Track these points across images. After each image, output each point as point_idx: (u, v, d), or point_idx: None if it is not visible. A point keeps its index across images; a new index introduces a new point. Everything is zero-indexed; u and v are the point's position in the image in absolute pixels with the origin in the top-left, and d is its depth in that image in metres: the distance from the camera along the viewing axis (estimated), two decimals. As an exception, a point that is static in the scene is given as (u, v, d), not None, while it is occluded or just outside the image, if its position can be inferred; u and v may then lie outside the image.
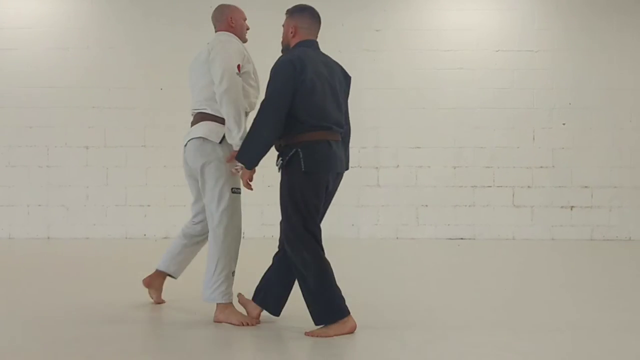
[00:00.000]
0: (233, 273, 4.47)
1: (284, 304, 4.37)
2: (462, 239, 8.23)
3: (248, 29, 4.93)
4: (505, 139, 8.30)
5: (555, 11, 8.39)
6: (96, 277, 5.93)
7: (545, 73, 8.36)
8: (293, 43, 4.39)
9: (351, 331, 4.11)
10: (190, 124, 4.63)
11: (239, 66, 4.49)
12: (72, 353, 3.72)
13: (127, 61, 8.36)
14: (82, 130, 8.33)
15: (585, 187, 8.36)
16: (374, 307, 4.77)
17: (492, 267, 6.70)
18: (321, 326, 4.10)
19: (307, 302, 4.11)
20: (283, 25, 4.47)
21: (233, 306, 4.43)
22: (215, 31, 4.94)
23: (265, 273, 4.41)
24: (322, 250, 4.16)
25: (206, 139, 4.44)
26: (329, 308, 4.09)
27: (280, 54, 4.40)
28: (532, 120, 8.34)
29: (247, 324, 4.33)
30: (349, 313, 4.11)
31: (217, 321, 4.41)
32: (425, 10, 8.34)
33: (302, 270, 4.10)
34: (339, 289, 4.12)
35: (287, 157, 4.13)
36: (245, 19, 4.89)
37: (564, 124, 8.34)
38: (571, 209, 8.35)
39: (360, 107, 8.08)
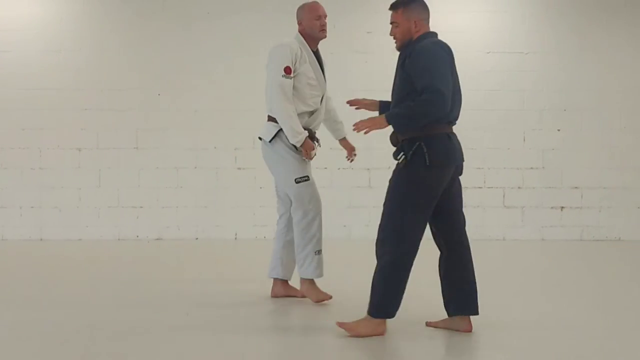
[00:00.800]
0: (317, 252, 4.93)
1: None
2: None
3: (323, 25, 4.95)
4: (496, 140, 8.36)
5: (545, 13, 8.45)
6: (90, 278, 5.96)
7: (536, 75, 8.42)
8: (416, 37, 4.17)
9: (380, 334, 4.11)
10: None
11: (287, 68, 4.75)
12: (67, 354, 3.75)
13: (119, 63, 8.37)
14: (75, 132, 8.34)
15: (575, 187, 8.42)
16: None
17: (483, 267, 6.74)
18: (362, 318, 4.12)
19: (371, 290, 4.09)
20: (395, 22, 4.22)
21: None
22: None
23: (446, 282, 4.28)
24: (416, 249, 4.11)
25: (262, 139, 4.95)
26: (381, 304, 4.07)
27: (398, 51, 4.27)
28: (523, 122, 8.40)
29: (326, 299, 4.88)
30: (392, 317, 4.12)
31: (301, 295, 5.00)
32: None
33: (382, 264, 4.06)
34: (401, 291, 4.09)
35: (411, 151, 4.00)
36: (318, 17, 4.93)
37: (558, 130, 8.40)
38: (561, 210, 8.41)
39: (351, 108, 8.10)
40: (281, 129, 4.83)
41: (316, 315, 4.70)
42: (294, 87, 4.82)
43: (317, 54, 5.04)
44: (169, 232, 8.36)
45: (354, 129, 4.17)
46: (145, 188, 8.37)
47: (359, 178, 8.30)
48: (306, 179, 4.87)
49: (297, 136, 4.75)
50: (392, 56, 8.22)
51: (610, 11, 8.41)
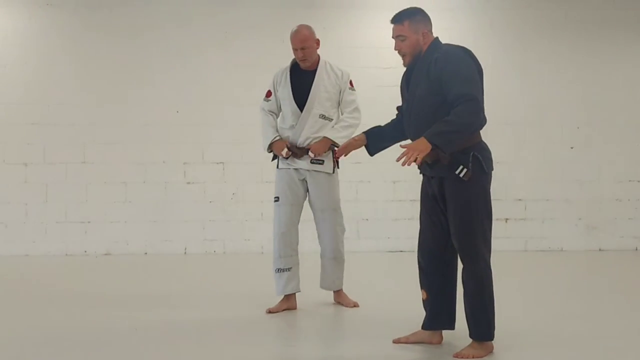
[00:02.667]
0: (277, 270, 5.21)
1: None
2: (402, 251, 8.39)
3: (300, 57, 5.18)
4: (442, 154, 8.49)
5: (487, 30, 8.63)
6: (37, 294, 5.90)
7: (480, 90, 8.58)
8: (425, 48, 4.07)
9: (492, 351, 4.03)
10: None
11: (268, 92, 5.34)
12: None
13: (66, 77, 8.31)
14: (21, 147, 8.24)
15: (519, 200, 8.62)
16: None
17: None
18: (469, 345, 3.99)
19: (474, 316, 3.96)
20: (402, 35, 4.11)
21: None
22: None
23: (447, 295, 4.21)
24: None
25: None
26: (492, 324, 3.97)
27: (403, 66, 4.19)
28: (468, 136, 8.56)
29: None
30: None
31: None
32: (363, 28, 8.50)
33: (482, 282, 3.93)
34: None
35: (470, 162, 3.85)
36: (295, 50, 5.18)
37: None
38: (506, 222, 8.59)
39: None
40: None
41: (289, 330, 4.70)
42: (280, 107, 5.34)
43: (310, 74, 5.25)
44: (117, 247, 8.30)
45: (403, 164, 3.80)
46: (93, 203, 8.30)
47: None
48: (276, 199, 5.29)
49: (265, 142, 5.30)
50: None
51: (552, 27, 8.64)
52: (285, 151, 5.19)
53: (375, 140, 4.39)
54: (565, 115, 8.65)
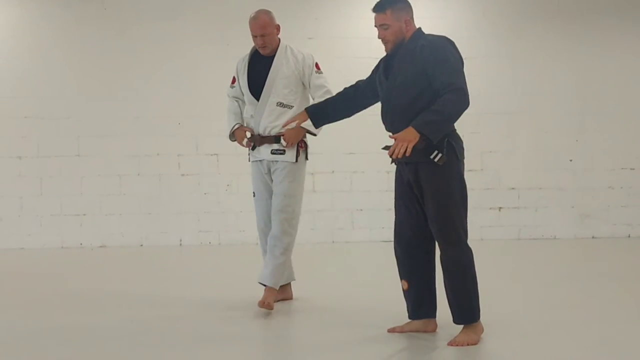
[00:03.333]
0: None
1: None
2: (392, 241, 8.41)
3: (260, 44, 5.04)
4: (436, 143, 8.52)
5: (479, 20, 8.65)
6: (34, 286, 5.94)
7: (471, 80, 8.48)
8: (408, 36, 4.09)
9: (482, 331, 4.06)
10: None
11: (233, 79, 5.24)
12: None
13: (58, 70, 8.32)
14: (15, 140, 8.26)
15: (512, 189, 8.66)
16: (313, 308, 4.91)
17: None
18: (461, 331, 4.02)
19: (459, 301, 3.99)
20: (385, 24, 4.11)
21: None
22: None
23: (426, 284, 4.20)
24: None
25: None
26: (477, 306, 4.01)
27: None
28: (461, 126, 8.47)
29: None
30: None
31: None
32: (355, 19, 8.50)
33: (464, 265, 3.97)
34: None
35: (444, 148, 3.87)
36: (254, 37, 5.04)
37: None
38: (499, 210, 8.64)
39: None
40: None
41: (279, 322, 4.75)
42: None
43: (268, 60, 5.09)
44: (113, 239, 8.33)
45: (392, 157, 3.94)
46: (88, 195, 8.32)
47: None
48: (253, 194, 5.27)
49: (228, 132, 5.21)
50: (332, 62, 8.36)
51: (545, 15, 8.65)
52: (245, 141, 5.07)
53: (318, 116, 4.57)
54: (556, 104, 8.68)
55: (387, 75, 4.16)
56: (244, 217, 8.33)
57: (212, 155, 8.35)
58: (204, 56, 8.33)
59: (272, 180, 5.10)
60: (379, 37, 4.18)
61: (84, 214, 8.33)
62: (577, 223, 8.68)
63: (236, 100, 5.23)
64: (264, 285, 4.93)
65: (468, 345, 3.96)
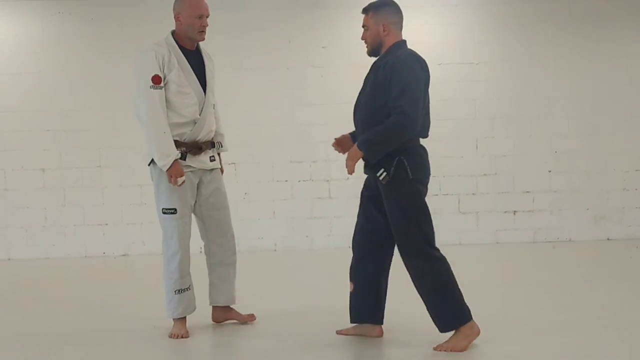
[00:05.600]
0: (177, 291, 4.54)
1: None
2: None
3: (203, 26, 4.42)
4: (450, 149, 8.61)
5: (493, 25, 8.73)
6: (60, 295, 6.07)
7: (486, 84, 8.69)
8: (388, 43, 4.16)
9: (478, 334, 4.08)
10: None
11: (156, 77, 4.25)
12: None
13: (79, 84, 8.49)
14: (38, 153, 8.44)
15: (527, 192, 8.71)
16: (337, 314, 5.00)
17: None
18: (450, 335, 4.08)
19: (435, 309, 4.07)
20: (365, 25, 4.20)
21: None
22: None
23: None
24: (438, 251, 4.09)
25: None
26: (457, 311, 4.03)
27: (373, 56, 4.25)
28: (475, 130, 8.66)
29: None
30: (471, 318, 4.08)
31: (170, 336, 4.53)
32: (369, 27, 8.62)
33: (432, 275, 4.04)
34: (460, 291, 4.08)
35: (392, 167, 3.96)
36: (200, 16, 4.38)
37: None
38: (514, 214, 8.70)
39: (309, 122, 8.38)
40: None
41: (298, 330, 4.83)
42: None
43: (196, 55, 4.57)
44: (134, 247, 8.49)
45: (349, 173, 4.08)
46: (110, 206, 8.49)
47: (320, 189, 8.50)
48: (172, 211, 4.48)
49: (165, 159, 4.27)
50: (346, 70, 8.49)
51: (555, 22, 8.69)
52: (181, 181, 4.36)
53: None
54: (569, 107, 8.71)
55: (364, 82, 4.28)
56: (262, 224, 8.47)
57: (230, 164, 8.47)
58: (218, 67, 8.40)
59: (197, 194, 4.61)
60: (361, 38, 4.26)
61: (107, 224, 8.50)
62: (592, 225, 8.71)
63: (163, 110, 4.35)
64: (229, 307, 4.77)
65: (452, 351, 4.00)
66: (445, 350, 4.02)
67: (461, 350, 4.01)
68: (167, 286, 4.53)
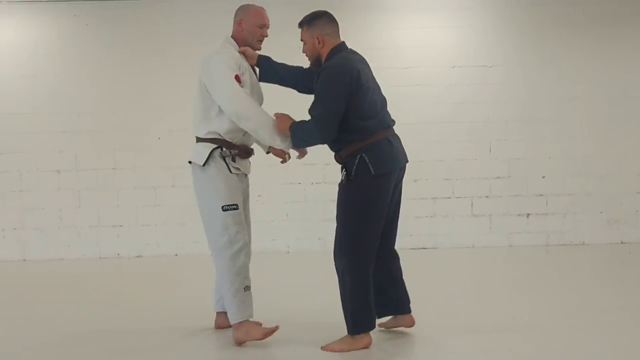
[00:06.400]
0: (246, 288, 4.39)
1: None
2: (424, 248, 8.52)
3: (263, 36, 4.57)
4: (463, 151, 8.62)
5: (507, 27, 8.72)
6: (74, 295, 6.12)
7: (499, 87, 8.68)
8: (325, 52, 4.25)
9: (366, 346, 4.16)
10: None
11: (236, 77, 4.30)
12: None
13: (94, 86, 8.56)
14: (53, 155, 8.52)
15: (540, 195, 8.69)
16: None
17: (454, 274, 6.98)
18: (343, 337, 4.19)
19: (344, 309, 4.19)
20: (302, 40, 4.31)
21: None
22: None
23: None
24: (372, 258, 4.16)
25: (194, 162, 4.47)
26: (355, 319, 4.14)
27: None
28: (488, 133, 8.65)
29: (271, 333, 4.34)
30: (372, 328, 4.18)
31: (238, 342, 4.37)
32: (382, 30, 8.63)
33: (343, 277, 4.15)
34: (369, 302, 4.14)
35: (354, 166, 4.09)
36: (262, 25, 4.53)
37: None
38: (527, 217, 8.68)
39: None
40: (214, 150, 4.41)
41: (303, 335, 4.81)
42: None
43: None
44: (149, 249, 8.54)
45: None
46: (124, 207, 8.54)
47: (332, 191, 8.47)
48: (235, 207, 4.40)
49: (286, 140, 4.29)
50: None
51: (569, 25, 8.67)
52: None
53: (268, 71, 4.62)
54: (583, 110, 8.69)
55: None
56: (275, 226, 8.49)
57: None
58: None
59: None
60: (302, 52, 4.37)
61: (121, 225, 8.55)
62: (606, 228, 8.68)
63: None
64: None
65: (332, 351, 4.13)
66: (330, 351, 4.15)
67: (342, 351, 4.13)
68: (235, 286, 4.35)
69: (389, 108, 4.41)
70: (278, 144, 4.29)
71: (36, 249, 8.49)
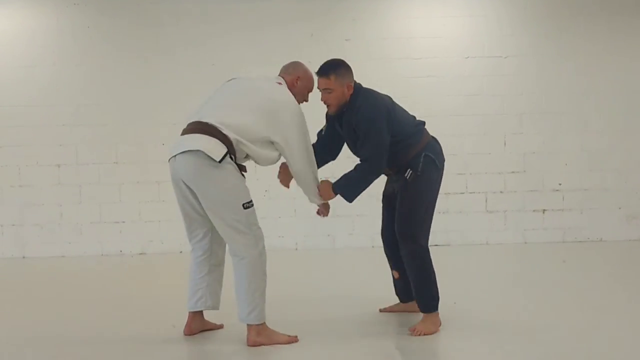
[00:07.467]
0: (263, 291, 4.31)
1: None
2: (436, 245, 8.30)
3: (306, 99, 4.72)
4: (477, 145, 8.41)
5: (521, 17, 8.51)
6: (76, 294, 5.97)
7: (514, 79, 8.47)
8: (349, 96, 4.48)
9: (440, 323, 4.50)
10: (181, 134, 4.51)
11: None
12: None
13: (94, 78, 8.36)
14: (53, 149, 8.31)
15: (556, 190, 8.49)
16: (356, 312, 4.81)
17: (468, 271, 6.82)
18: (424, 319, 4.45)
19: (419, 292, 4.47)
20: (330, 88, 4.43)
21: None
22: (278, 74, 4.73)
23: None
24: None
25: (207, 154, 4.20)
26: (434, 295, 4.46)
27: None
28: (503, 126, 8.45)
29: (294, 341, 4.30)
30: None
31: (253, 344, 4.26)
32: (394, 19, 8.43)
33: (421, 262, 4.45)
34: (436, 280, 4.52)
35: (420, 164, 4.41)
36: (310, 91, 4.70)
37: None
38: (543, 213, 8.47)
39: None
40: (228, 152, 4.29)
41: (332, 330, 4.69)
42: None
43: None
44: (152, 246, 8.34)
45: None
46: (126, 203, 8.34)
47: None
48: (252, 204, 4.40)
49: (320, 198, 4.76)
50: (370, 63, 8.27)
51: (586, 16, 8.48)
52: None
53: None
54: (600, 103, 8.50)
55: (340, 125, 4.65)
56: (283, 222, 8.32)
57: (250, 160, 8.30)
58: (241, 62, 8.28)
59: None
60: (321, 100, 4.53)
61: (123, 221, 8.35)
62: (624, 225, 8.49)
63: None
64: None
65: (426, 333, 4.36)
66: (416, 334, 4.37)
67: (429, 333, 4.38)
68: (263, 284, 4.31)
69: (400, 99, 4.72)
70: (315, 197, 4.78)
71: (36, 246, 8.29)
